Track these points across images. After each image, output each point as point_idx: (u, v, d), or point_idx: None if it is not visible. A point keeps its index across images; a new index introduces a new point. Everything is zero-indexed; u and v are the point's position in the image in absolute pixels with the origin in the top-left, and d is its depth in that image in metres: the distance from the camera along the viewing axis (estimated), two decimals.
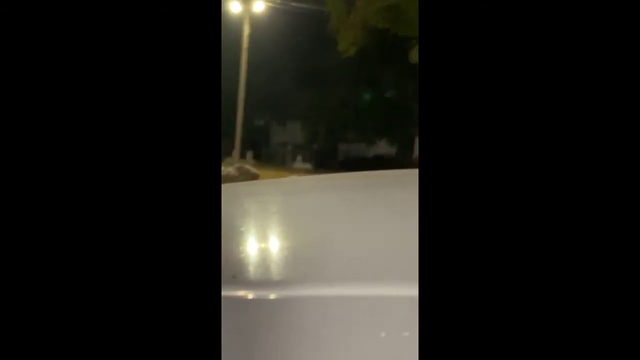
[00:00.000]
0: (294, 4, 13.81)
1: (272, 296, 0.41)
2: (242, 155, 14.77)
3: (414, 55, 10.07)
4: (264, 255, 0.55)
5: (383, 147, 16.17)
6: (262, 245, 0.59)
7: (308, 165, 15.86)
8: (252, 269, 0.50)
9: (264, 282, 0.45)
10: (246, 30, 13.85)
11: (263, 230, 0.66)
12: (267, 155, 17.81)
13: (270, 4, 14.18)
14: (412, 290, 0.36)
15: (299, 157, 16.78)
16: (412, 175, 0.43)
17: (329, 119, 15.78)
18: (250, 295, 0.42)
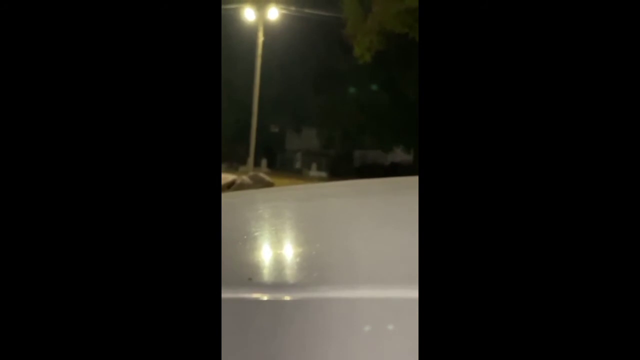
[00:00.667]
0: (307, 10, 13.82)
1: (287, 298, 0.42)
2: (257, 163, 14.74)
3: None
4: (278, 259, 0.55)
5: (399, 154, 16.07)
6: (277, 248, 0.60)
7: (323, 174, 15.81)
8: (266, 272, 0.50)
9: (278, 285, 0.46)
10: (260, 38, 13.87)
11: (277, 235, 0.66)
12: (282, 162, 17.81)
13: (284, 11, 14.21)
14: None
15: (314, 165, 16.74)
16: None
17: (344, 124, 15.72)
18: (266, 297, 0.42)
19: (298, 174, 15.85)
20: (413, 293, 0.38)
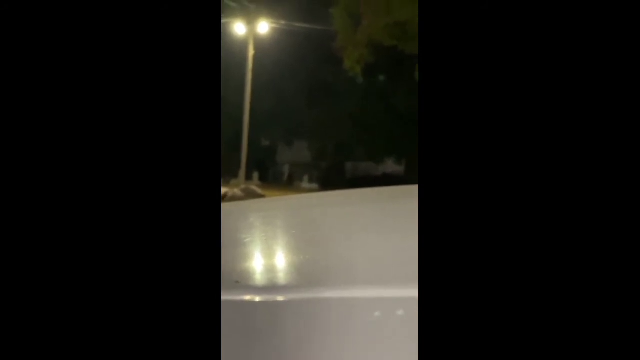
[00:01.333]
0: (297, 24, 13.89)
1: (280, 298, 0.42)
2: (248, 176, 14.71)
3: None
4: (267, 263, 0.56)
5: (391, 166, 16.11)
6: (266, 253, 0.60)
7: (315, 186, 15.80)
8: (255, 276, 0.51)
9: (267, 288, 0.46)
10: (251, 52, 13.91)
11: (267, 241, 0.67)
12: (274, 175, 17.79)
13: (274, 25, 14.27)
14: (411, 292, 0.38)
15: (306, 178, 16.74)
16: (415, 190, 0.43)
17: (335, 136, 15.74)
18: (258, 298, 0.43)
19: (290, 187, 15.84)
20: (407, 292, 0.38)
